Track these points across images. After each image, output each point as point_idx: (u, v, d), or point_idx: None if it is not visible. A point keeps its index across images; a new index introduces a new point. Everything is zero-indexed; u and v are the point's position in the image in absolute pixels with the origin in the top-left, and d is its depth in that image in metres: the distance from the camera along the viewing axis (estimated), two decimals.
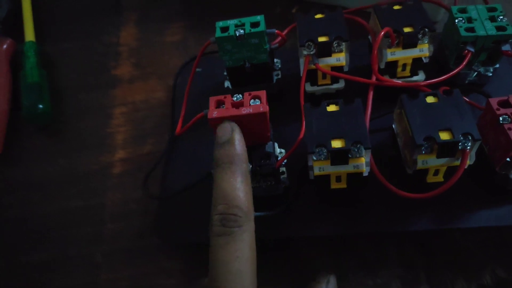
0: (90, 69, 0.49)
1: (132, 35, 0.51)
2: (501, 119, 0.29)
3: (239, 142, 0.26)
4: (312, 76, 0.38)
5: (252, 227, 0.24)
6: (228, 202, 0.24)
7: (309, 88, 0.38)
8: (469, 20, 0.36)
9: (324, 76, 0.38)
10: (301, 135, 0.34)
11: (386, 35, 0.34)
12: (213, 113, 0.29)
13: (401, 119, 0.31)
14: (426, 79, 0.37)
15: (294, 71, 0.41)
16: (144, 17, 0.53)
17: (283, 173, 0.33)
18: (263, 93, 0.30)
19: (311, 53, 0.36)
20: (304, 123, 0.34)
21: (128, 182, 0.39)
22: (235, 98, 0.30)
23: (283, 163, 0.33)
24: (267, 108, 0.29)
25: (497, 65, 0.37)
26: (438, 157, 0.29)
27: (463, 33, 0.35)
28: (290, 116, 0.38)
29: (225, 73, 0.39)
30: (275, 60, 0.41)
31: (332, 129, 0.29)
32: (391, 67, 0.37)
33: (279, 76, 0.40)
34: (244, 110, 0.29)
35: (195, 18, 0.52)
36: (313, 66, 0.36)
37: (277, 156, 0.33)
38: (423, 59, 0.36)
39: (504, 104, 0.30)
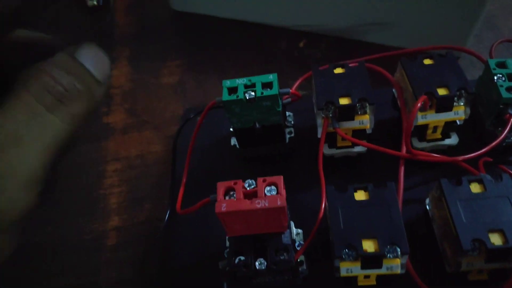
0: None
1: (125, 74, 0.47)
2: None
3: None
4: (331, 138, 0.33)
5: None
6: None
7: (327, 150, 0.34)
8: (510, 77, 0.31)
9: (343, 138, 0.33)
10: (321, 214, 0.29)
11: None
12: (222, 206, 0.25)
13: (440, 206, 0.27)
14: (459, 143, 0.33)
15: (309, 123, 0.37)
16: (137, 53, 0.48)
17: (301, 263, 0.29)
18: (280, 180, 0.25)
19: (330, 115, 0.31)
20: (324, 202, 0.30)
21: (123, 258, 0.35)
22: (247, 185, 0.26)
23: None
24: (285, 201, 0.24)
25: None
26: (487, 262, 0.24)
27: (505, 94, 0.30)
28: (306, 181, 0.34)
29: (231, 129, 0.35)
30: (287, 113, 0.36)
31: (362, 225, 0.25)
32: (421, 129, 0.32)
33: (292, 134, 0.35)
34: (258, 204, 0.24)
35: (193, 54, 0.48)
36: (332, 129, 0.31)
37: (295, 241, 0.29)
38: (458, 121, 0.32)
39: None
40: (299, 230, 0.30)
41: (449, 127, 0.32)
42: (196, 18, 0.50)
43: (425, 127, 0.32)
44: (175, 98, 0.44)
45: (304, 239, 0.30)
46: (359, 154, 0.34)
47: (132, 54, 0.48)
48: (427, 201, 0.30)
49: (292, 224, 0.30)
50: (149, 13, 0.52)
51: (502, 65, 0.32)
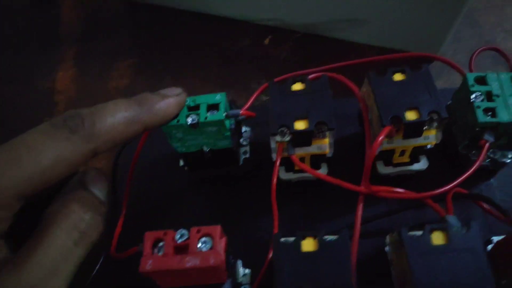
0: (20, 126, 0.39)
1: (70, 77, 0.42)
2: None
3: None
4: (288, 161, 0.30)
5: None
6: None
7: (283, 175, 0.30)
8: (489, 96, 0.28)
9: (302, 160, 0.30)
10: (270, 254, 0.26)
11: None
12: (147, 263, 0.21)
13: (400, 254, 0.24)
14: (429, 167, 0.30)
15: (268, 139, 0.33)
16: (85, 52, 0.44)
17: None
18: (216, 231, 0.22)
19: (286, 140, 0.28)
20: (276, 222, 0.27)
21: None
22: (178, 236, 0.22)
23: None
24: (220, 259, 0.21)
25: None
26: None
27: (481, 118, 0.27)
28: (260, 208, 0.31)
29: None
30: (244, 129, 0.33)
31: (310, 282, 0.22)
32: (387, 153, 0.29)
33: (247, 155, 0.31)
34: (188, 262, 0.21)
35: (146, 53, 0.43)
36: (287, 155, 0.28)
37: (240, 284, 0.26)
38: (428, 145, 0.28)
39: None
40: (247, 271, 0.27)
41: (418, 151, 0.29)
42: (152, 9, 0.46)
43: (391, 151, 0.29)
44: None
45: (253, 279, 0.27)
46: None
47: (79, 54, 0.43)
48: (387, 239, 0.27)
49: (240, 263, 0.27)
50: (100, 6, 0.47)
51: (481, 80, 0.29)
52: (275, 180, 0.28)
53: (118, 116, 0.22)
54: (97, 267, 0.30)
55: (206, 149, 0.29)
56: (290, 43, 0.43)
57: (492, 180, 0.31)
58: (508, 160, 0.29)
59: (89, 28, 0.45)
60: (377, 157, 0.30)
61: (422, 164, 0.29)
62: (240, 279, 0.27)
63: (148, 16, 0.45)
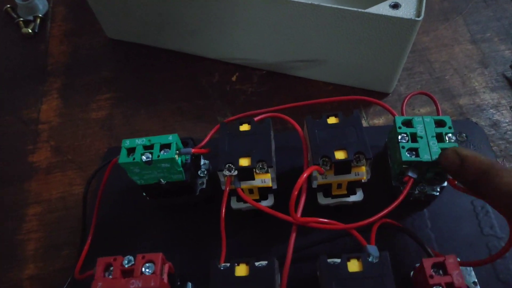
0: (5, 155, 0.43)
1: (54, 109, 0.46)
2: None
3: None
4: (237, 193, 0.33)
5: None
6: None
7: (234, 205, 0.34)
8: (414, 138, 0.31)
9: (251, 191, 0.33)
10: None
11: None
12: (98, 285, 0.25)
13: None
14: (367, 198, 0.33)
15: None
16: (69, 85, 0.48)
17: None
18: (158, 258, 0.25)
19: (233, 174, 0.31)
20: (224, 248, 0.30)
21: None
22: (126, 262, 0.26)
23: None
24: (159, 283, 0.24)
25: (445, 183, 0.32)
26: None
27: (404, 157, 0.30)
28: (211, 236, 0.34)
29: None
30: (203, 162, 0.36)
31: None
32: (325, 186, 0.32)
33: (204, 186, 0.35)
34: (132, 284, 0.24)
35: (125, 87, 0.47)
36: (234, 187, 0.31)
37: None
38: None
39: (438, 266, 0.26)
40: None
41: (354, 184, 0.32)
42: (131, 47, 0.50)
43: (329, 184, 0.32)
44: (100, 135, 0.44)
45: None
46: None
47: (63, 86, 0.48)
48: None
49: (189, 285, 0.30)
50: (85, 42, 0.51)
51: (408, 123, 0.32)
52: (223, 210, 0.31)
53: None
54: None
55: (163, 181, 0.32)
56: (255, 80, 0.46)
57: (425, 210, 0.34)
58: (437, 193, 0.33)
59: (74, 63, 0.49)
60: (318, 189, 0.33)
61: (358, 196, 0.33)
62: None
63: (127, 53, 0.50)
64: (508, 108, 0.43)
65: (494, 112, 0.43)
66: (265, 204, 0.33)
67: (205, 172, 0.35)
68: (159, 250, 0.30)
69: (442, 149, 0.30)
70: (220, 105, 0.45)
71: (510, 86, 0.44)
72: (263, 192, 0.33)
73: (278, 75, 0.46)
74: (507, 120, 0.42)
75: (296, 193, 0.27)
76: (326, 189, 0.33)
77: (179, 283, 0.29)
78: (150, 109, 0.45)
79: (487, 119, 0.42)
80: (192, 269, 0.31)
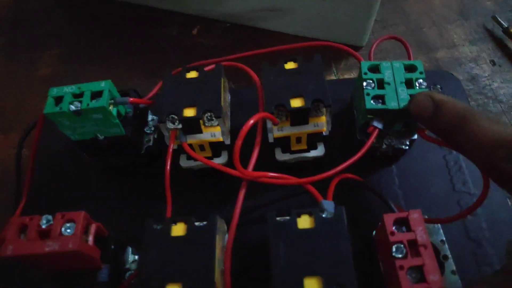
0: None
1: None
2: (394, 249, 0.22)
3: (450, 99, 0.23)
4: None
5: None
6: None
7: (184, 163, 0.30)
8: (380, 84, 0.28)
9: (202, 148, 0.30)
10: None
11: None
12: (8, 248, 0.21)
13: None
14: (329, 153, 0.30)
15: None
16: (13, 41, 0.43)
17: None
18: (79, 217, 0.22)
19: (178, 127, 0.28)
20: (169, 209, 0.27)
21: None
22: (44, 222, 0.22)
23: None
24: (78, 245, 0.21)
25: (415, 136, 0.29)
26: None
27: (369, 104, 0.27)
28: (156, 197, 0.31)
29: None
30: (151, 117, 0.33)
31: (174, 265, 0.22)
32: (283, 141, 0.29)
33: (151, 143, 0.32)
34: (48, 246, 0.21)
35: (74, 41, 0.43)
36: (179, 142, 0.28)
37: (128, 270, 0.26)
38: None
39: (401, 222, 0.23)
40: (137, 257, 0.27)
41: (314, 138, 0.29)
42: None
43: (287, 138, 0.29)
44: (46, 94, 0.40)
45: None
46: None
47: (6, 43, 0.43)
48: None
49: (129, 250, 0.27)
50: None
51: (375, 69, 0.29)
52: (168, 167, 0.28)
53: None
54: None
55: (100, 136, 0.29)
56: (218, 33, 0.43)
57: (393, 166, 0.31)
58: (406, 147, 0.30)
59: (17, 17, 0.45)
60: (275, 144, 0.30)
61: (319, 151, 0.30)
62: (129, 265, 0.27)
63: (75, 6, 0.45)
64: (488, 61, 0.40)
65: (473, 66, 0.39)
66: (218, 161, 0.30)
67: (153, 129, 0.32)
68: (100, 213, 0.27)
69: (412, 95, 0.26)
70: (178, 60, 0.41)
71: (490, 38, 0.41)
72: (216, 149, 0.30)
73: (242, 28, 0.42)
74: (486, 74, 0.39)
75: (239, 142, 0.24)
76: (284, 144, 0.30)
77: (113, 247, 0.25)
78: (101, 65, 0.41)
79: (466, 73, 0.39)
80: (135, 233, 0.28)
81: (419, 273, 0.22)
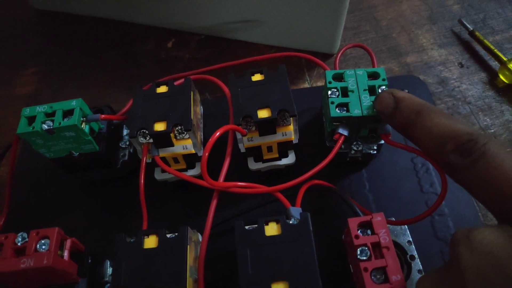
0: None
1: None
2: (358, 252, 0.23)
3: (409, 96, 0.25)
4: (163, 161, 0.31)
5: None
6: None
7: (159, 176, 0.31)
8: (344, 92, 0.29)
9: (176, 160, 0.30)
10: None
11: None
12: None
13: None
14: (299, 161, 0.31)
15: None
16: None
17: None
18: (53, 232, 0.23)
19: (150, 141, 0.28)
20: (145, 222, 0.27)
21: None
22: (19, 239, 0.23)
23: None
24: (53, 260, 0.22)
25: (382, 141, 0.30)
26: None
27: (333, 113, 0.28)
28: (132, 210, 0.31)
29: None
30: (125, 132, 0.33)
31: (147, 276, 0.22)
32: (254, 150, 0.30)
33: (126, 158, 0.32)
34: (23, 263, 0.22)
35: (53, 59, 0.43)
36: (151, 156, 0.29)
37: (106, 283, 0.27)
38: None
39: (366, 226, 0.24)
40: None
41: (285, 146, 0.30)
42: (58, 16, 0.46)
43: (258, 147, 0.30)
44: None
45: None
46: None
47: None
48: None
49: (107, 263, 0.28)
50: (9, 13, 0.47)
51: (339, 77, 0.30)
52: (142, 181, 0.29)
53: None
54: None
55: (75, 153, 0.29)
56: (193, 45, 0.43)
57: (363, 171, 0.32)
58: (374, 152, 0.31)
59: None
60: (247, 153, 0.31)
61: (289, 159, 0.31)
62: (108, 277, 0.27)
63: (54, 23, 0.46)
64: (456, 64, 0.41)
65: (442, 69, 0.41)
66: (192, 173, 0.31)
67: (127, 143, 0.33)
68: (78, 228, 0.28)
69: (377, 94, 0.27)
70: (155, 74, 0.42)
71: (458, 41, 0.42)
72: (190, 161, 0.31)
73: (217, 40, 0.43)
74: (454, 77, 0.40)
75: (206, 154, 0.24)
76: (256, 154, 0.30)
77: (90, 260, 0.26)
78: (80, 82, 0.42)
79: (435, 76, 0.40)
80: (112, 246, 0.29)
81: (383, 274, 0.23)
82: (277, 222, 0.24)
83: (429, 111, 0.23)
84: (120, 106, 0.40)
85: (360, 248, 0.23)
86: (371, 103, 0.28)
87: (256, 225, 0.24)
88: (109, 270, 0.28)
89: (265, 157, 0.31)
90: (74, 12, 0.46)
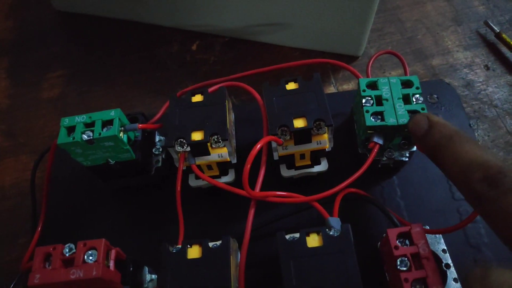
0: None
1: (3, 89, 0.43)
2: (398, 262, 0.23)
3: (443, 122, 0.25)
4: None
5: None
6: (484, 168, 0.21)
7: (193, 182, 0.31)
8: (379, 100, 0.29)
9: (210, 167, 0.31)
10: None
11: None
12: (35, 277, 0.23)
13: None
14: (332, 168, 0.31)
15: None
16: (18, 63, 0.44)
17: None
18: (100, 244, 0.23)
19: (186, 150, 0.29)
20: (181, 229, 0.28)
21: None
22: (67, 250, 0.24)
23: None
24: (101, 271, 0.22)
25: (414, 148, 0.31)
26: None
27: (369, 121, 0.28)
28: (167, 217, 0.32)
29: None
30: (158, 138, 0.34)
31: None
32: (287, 158, 0.30)
33: (159, 164, 0.33)
34: (73, 274, 0.22)
35: (78, 62, 0.44)
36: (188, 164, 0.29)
37: None
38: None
39: (404, 236, 0.24)
40: (154, 276, 0.28)
41: (317, 154, 0.30)
42: (82, 19, 0.46)
43: (291, 155, 0.30)
44: (55, 115, 0.41)
45: None
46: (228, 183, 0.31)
47: (11, 65, 0.44)
48: None
49: (146, 270, 0.28)
50: (32, 15, 0.47)
51: (373, 85, 0.30)
52: (178, 188, 0.29)
53: None
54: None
55: (111, 161, 0.30)
56: (218, 48, 0.44)
57: (394, 177, 0.33)
58: (406, 159, 0.31)
59: (21, 39, 0.46)
60: (280, 161, 0.31)
61: (322, 166, 0.31)
62: (146, 284, 0.28)
63: (78, 26, 0.46)
64: (482, 66, 0.41)
65: (467, 71, 0.41)
66: (226, 179, 0.31)
67: (160, 150, 0.33)
68: (114, 235, 0.28)
69: (413, 113, 0.28)
70: (180, 76, 0.42)
71: (484, 43, 0.42)
72: (223, 167, 0.31)
73: (242, 42, 0.43)
74: (480, 80, 0.40)
75: (248, 166, 0.25)
76: (289, 161, 0.31)
77: (131, 268, 0.27)
78: (106, 85, 0.42)
79: (461, 79, 0.40)
80: (150, 253, 0.29)
81: (423, 284, 0.23)
82: (318, 233, 0.24)
83: (461, 138, 0.23)
84: (146, 109, 0.40)
85: (400, 259, 0.23)
86: (406, 112, 0.28)
87: (298, 235, 0.24)
88: (148, 277, 0.28)
89: (297, 164, 0.31)
90: (97, 14, 0.46)
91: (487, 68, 0.40)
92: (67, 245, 0.24)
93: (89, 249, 0.23)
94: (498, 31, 0.41)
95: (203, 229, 0.31)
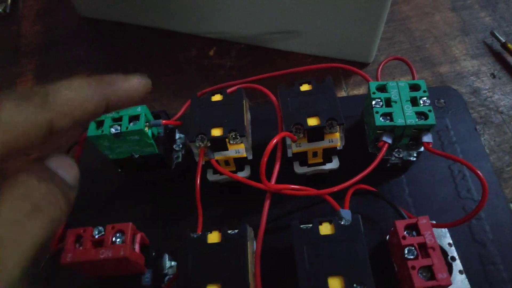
0: None
1: None
2: (406, 251, 0.25)
3: None
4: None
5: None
6: None
7: (211, 177, 0.33)
8: (388, 102, 0.31)
9: (227, 163, 0.33)
10: None
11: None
12: (67, 256, 0.24)
13: None
14: (343, 166, 0.32)
15: None
16: (44, 65, 0.47)
17: None
18: (127, 227, 0.25)
19: (206, 145, 0.31)
20: (200, 220, 0.29)
21: None
22: (96, 232, 0.25)
23: None
24: (128, 252, 0.24)
25: (422, 149, 0.32)
26: None
27: (378, 122, 0.30)
28: (187, 208, 0.33)
29: None
30: (178, 136, 0.36)
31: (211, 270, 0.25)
32: (301, 155, 0.32)
33: (179, 159, 0.35)
34: (102, 254, 0.24)
35: (101, 65, 0.46)
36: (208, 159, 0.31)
37: (166, 275, 0.29)
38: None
39: (411, 228, 0.26)
40: (173, 263, 0.30)
41: (329, 152, 0.32)
42: (105, 25, 0.49)
43: (304, 152, 0.32)
44: None
45: None
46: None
47: (37, 68, 0.47)
48: None
49: (166, 257, 0.30)
50: (58, 21, 0.50)
51: (382, 88, 0.32)
52: (198, 181, 0.31)
53: (74, 89, 0.19)
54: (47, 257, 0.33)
55: (135, 155, 0.32)
56: (233, 54, 0.46)
57: (402, 176, 0.34)
58: (413, 159, 0.32)
59: (47, 43, 0.48)
60: (293, 158, 0.33)
61: (334, 164, 0.32)
62: (166, 270, 0.30)
63: (101, 31, 0.49)
64: (488, 75, 0.42)
65: (474, 79, 0.42)
66: (242, 175, 0.33)
67: (180, 146, 0.35)
68: (136, 225, 0.30)
69: (420, 114, 0.29)
70: (198, 80, 0.44)
71: (490, 53, 0.44)
72: (240, 163, 0.33)
73: (257, 49, 0.46)
74: (487, 87, 0.41)
75: (265, 159, 0.27)
76: (302, 158, 0.33)
77: (154, 254, 0.28)
78: None
79: (468, 87, 0.42)
80: (169, 242, 0.31)
81: (429, 272, 0.24)
82: (330, 223, 0.26)
83: None
84: (166, 109, 0.42)
85: (407, 248, 0.25)
86: (413, 113, 0.30)
87: (311, 225, 0.26)
88: (168, 263, 0.30)
89: (310, 162, 0.33)
90: (120, 20, 0.48)
91: (493, 76, 0.42)
92: (96, 228, 0.25)
93: (117, 232, 0.25)
94: (504, 41, 0.42)
95: (221, 221, 0.33)
